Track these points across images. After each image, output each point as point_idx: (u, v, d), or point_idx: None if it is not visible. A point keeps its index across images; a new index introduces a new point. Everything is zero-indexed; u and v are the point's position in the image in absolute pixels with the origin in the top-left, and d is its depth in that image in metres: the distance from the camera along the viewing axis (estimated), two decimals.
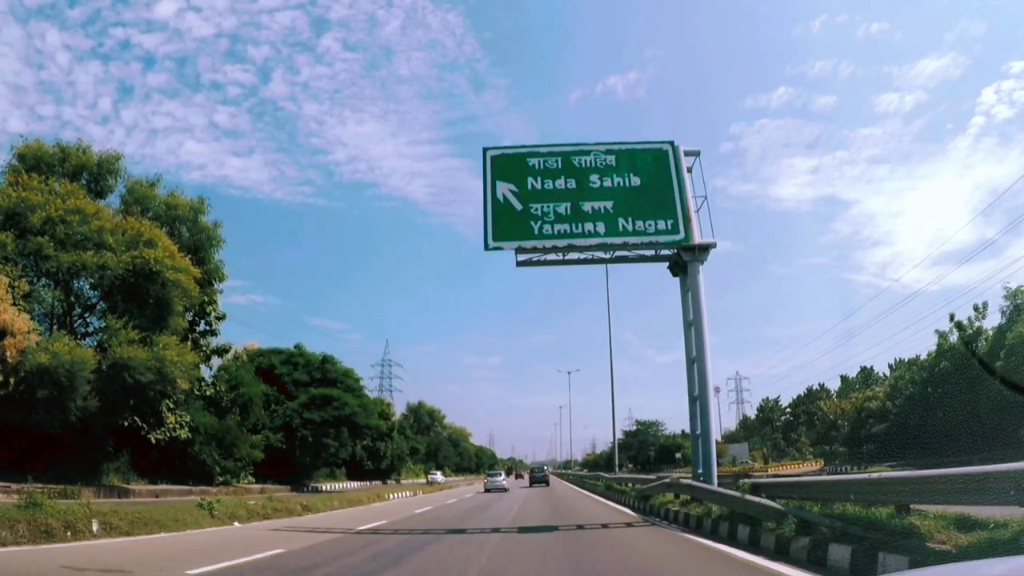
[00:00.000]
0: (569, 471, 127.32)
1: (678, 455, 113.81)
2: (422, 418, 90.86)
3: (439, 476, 77.55)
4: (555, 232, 16.79)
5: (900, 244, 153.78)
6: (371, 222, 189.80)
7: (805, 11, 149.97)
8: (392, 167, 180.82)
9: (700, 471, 16.66)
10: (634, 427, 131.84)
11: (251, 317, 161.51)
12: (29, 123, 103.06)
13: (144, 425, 26.12)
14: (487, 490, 40.63)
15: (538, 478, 53.30)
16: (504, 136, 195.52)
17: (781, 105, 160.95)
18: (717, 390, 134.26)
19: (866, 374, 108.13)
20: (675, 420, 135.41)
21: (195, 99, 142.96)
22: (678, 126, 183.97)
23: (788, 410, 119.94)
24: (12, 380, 19.56)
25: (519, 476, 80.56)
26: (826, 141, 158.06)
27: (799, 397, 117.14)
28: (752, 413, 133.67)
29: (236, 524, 16.65)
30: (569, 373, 73.43)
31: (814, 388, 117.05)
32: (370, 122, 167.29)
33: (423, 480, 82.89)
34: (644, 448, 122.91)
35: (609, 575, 8.35)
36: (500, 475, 46.32)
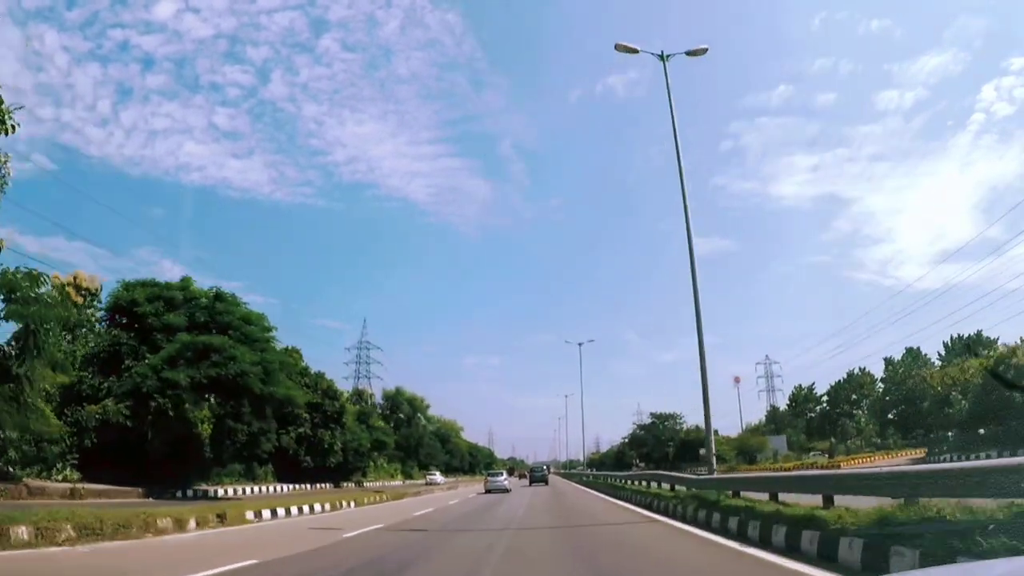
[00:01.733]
0: (573, 471, 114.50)
1: (702, 451, 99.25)
2: (401, 407, 76.89)
3: (438, 476, 70.81)
4: None
5: (901, 242, 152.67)
6: (371, 223, 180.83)
7: (805, 8, 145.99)
8: (392, 167, 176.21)
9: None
10: (647, 421, 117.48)
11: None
12: (28, 125, 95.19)
13: None
14: (488, 491, 37.67)
15: (537, 477, 54.58)
16: (504, 135, 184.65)
17: (781, 103, 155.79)
18: (737, 380, 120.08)
19: (913, 355, 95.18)
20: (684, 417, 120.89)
21: (194, 100, 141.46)
22: (678, 124, 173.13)
23: (825, 398, 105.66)
24: None
25: (522, 476, 78.00)
26: (826, 139, 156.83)
27: (839, 383, 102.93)
28: (780, 402, 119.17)
29: None
30: (580, 344, 59.16)
31: (855, 372, 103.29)
32: (369, 122, 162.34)
33: (398, 482, 69.61)
34: (661, 444, 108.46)
35: None
36: (502, 475, 43.39)
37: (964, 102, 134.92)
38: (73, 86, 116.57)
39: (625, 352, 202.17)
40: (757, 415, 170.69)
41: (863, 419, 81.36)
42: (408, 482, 73.60)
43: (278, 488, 38.90)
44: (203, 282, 31.93)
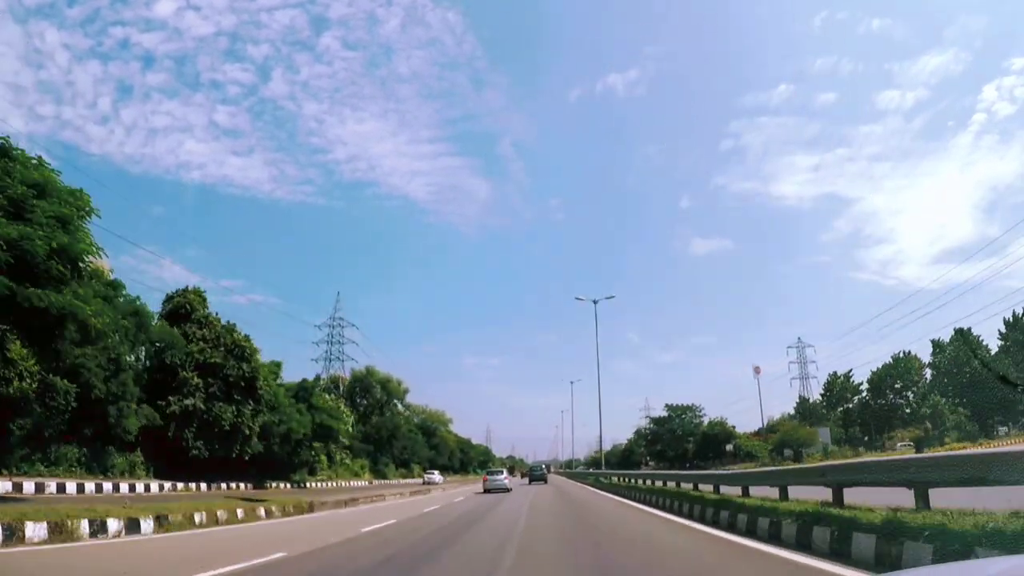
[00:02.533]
0: (575, 470, 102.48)
1: (729, 447, 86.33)
2: (371, 391, 63.18)
3: (436, 476, 63.40)
4: None
5: (902, 242, 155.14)
6: (371, 221, 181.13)
7: (806, 7, 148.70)
8: (392, 166, 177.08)
9: None
10: (661, 414, 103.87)
11: (253, 317, 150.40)
12: (29, 123, 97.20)
13: None
14: (487, 490, 34.91)
15: (536, 476, 53.25)
16: (504, 134, 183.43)
17: (782, 102, 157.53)
18: (757, 370, 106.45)
19: (964, 337, 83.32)
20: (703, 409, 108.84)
21: (194, 98, 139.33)
22: (678, 124, 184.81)
23: (865, 386, 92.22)
24: None
25: (524, 475, 75.16)
26: (827, 138, 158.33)
27: (883, 368, 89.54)
28: (809, 391, 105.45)
29: None
30: (595, 302, 45.78)
31: (899, 356, 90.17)
32: (370, 121, 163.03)
33: (363, 483, 56.21)
34: (678, 440, 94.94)
35: None
36: (502, 473, 40.76)
37: (965, 102, 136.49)
38: (74, 83, 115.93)
39: (625, 352, 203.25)
40: (780, 408, 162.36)
41: (937, 404, 67.26)
42: (381, 483, 60.09)
43: (140, 487, 25.36)
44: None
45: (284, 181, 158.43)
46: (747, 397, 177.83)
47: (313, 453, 43.53)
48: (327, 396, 40.59)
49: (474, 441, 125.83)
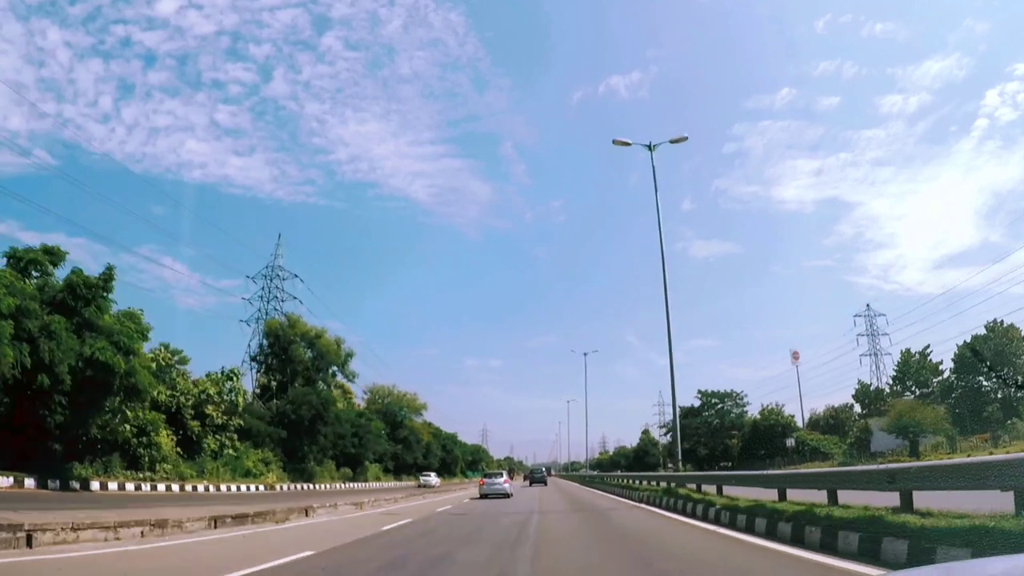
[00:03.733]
0: (578, 472, 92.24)
1: (790, 442, 65.70)
2: (293, 354, 42.38)
3: (433, 479, 58.98)
4: None
5: (903, 246, 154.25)
6: (373, 222, 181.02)
7: (808, 11, 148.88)
8: (394, 167, 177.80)
9: None
10: (690, 404, 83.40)
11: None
12: (30, 121, 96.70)
13: None
14: (483, 495, 31.39)
15: (537, 479, 53.75)
16: (506, 136, 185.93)
17: (784, 106, 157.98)
18: (795, 357, 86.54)
19: None
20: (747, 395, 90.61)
21: (196, 97, 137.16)
22: (680, 127, 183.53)
23: (950, 366, 72.27)
24: None
25: (526, 478, 71.46)
26: (829, 142, 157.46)
27: (973, 341, 69.80)
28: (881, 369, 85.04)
29: None
30: (650, 147, 26.77)
31: (992, 326, 70.48)
32: (372, 121, 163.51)
33: (254, 488, 36.13)
34: (717, 434, 74.60)
35: None
36: (501, 476, 35.57)
37: (968, 107, 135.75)
38: (75, 82, 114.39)
39: (627, 354, 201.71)
40: (822, 399, 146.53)
41: None
42: (300, 488, 39.99)
43: None
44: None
45: (285, 181, 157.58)
46: (757, 397, 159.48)
47: (128, 426, 23.27)
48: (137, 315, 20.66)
49: (457, 432, 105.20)
